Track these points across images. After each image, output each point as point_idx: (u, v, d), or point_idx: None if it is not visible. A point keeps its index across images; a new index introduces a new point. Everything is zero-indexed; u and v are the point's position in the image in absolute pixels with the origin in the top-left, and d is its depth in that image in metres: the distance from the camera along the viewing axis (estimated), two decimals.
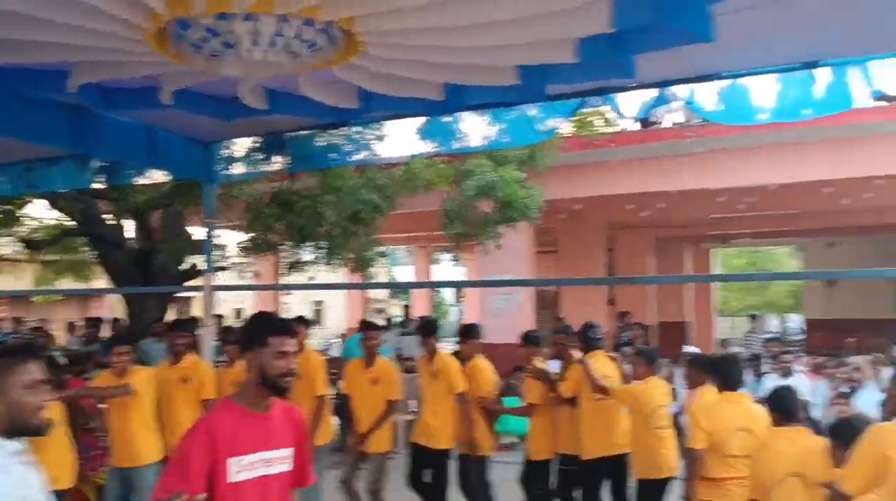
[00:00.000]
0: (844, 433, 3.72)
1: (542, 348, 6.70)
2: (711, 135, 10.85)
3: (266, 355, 2.79)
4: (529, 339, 6.55)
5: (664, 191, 12.21)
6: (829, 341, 16.85)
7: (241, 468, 2.75)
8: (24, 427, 2.32)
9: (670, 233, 18.30)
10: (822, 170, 11.10)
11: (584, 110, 7.40)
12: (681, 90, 5.49)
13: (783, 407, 4.16)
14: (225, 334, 9.94)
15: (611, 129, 11.14)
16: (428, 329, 6.71)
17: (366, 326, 6.71)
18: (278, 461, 2.88)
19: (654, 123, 11.87)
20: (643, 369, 5.76)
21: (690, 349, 10.71)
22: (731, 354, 5.92)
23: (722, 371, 4.90)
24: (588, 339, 6.19)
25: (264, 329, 2.88)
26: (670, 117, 12.03)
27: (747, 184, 11.69)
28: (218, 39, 3.23)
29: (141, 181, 8.35)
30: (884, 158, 10.59)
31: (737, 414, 4.66)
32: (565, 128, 8.77)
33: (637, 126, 11.77)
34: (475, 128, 6.46)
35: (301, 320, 7.11)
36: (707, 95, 5.52)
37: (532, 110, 6.03)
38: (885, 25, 4.32)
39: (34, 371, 2.34)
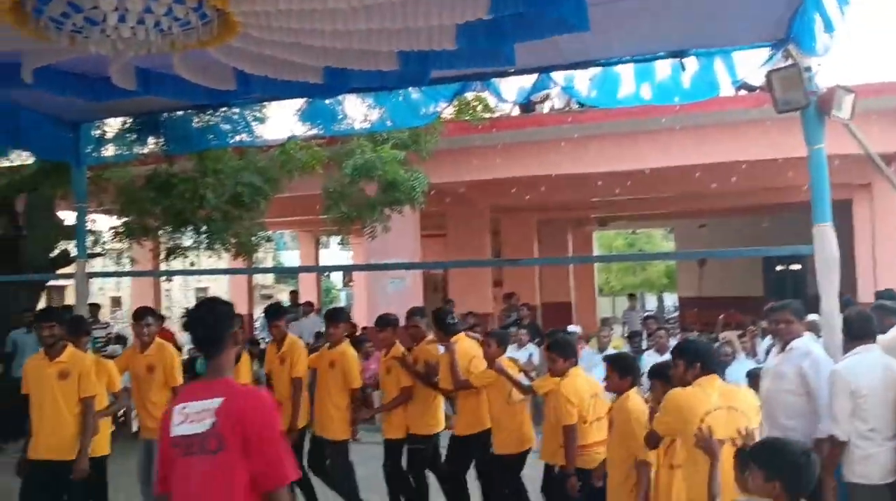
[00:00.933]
0: None
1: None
2: (589, 121, 11.20)
3: None
4: (387, 322, 6.45)
5: (545, 176, 12.51)
6: (701, 317, 17.76)
7: None
8: None
9: (553, 216, 18.78)
10: (691, 156, 11.64)
11: (466, 94, 7.53)
12: (558, 76, 5.68)
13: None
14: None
15: (492, 114, 11.29)
16: (272, 313, 6.68)
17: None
18: None
19: (533, 108, 12.13)
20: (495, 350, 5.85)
21: (573, 328, 11.07)
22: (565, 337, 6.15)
23: (565, 351, 5.29)
24: (445, 325, 6.17)
25: None
26: (550, 103, 12.36)
27: (623, 169, 12.13)
28: (80, 15, 3.08)
29: (2, 163, 7.90)
30: (748, 144, 11.21)
31: (588, 384, 5.26)
32: (447, 112, 8.83)
33: (517, 111, 11.99)
34: (357, 111, 6.44)
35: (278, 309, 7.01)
36: (583, 81, 5.73)
37: (415, 94, 6.07)
38: (748, 17, 4.60)
39: None
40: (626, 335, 14.30)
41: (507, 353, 6.30)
